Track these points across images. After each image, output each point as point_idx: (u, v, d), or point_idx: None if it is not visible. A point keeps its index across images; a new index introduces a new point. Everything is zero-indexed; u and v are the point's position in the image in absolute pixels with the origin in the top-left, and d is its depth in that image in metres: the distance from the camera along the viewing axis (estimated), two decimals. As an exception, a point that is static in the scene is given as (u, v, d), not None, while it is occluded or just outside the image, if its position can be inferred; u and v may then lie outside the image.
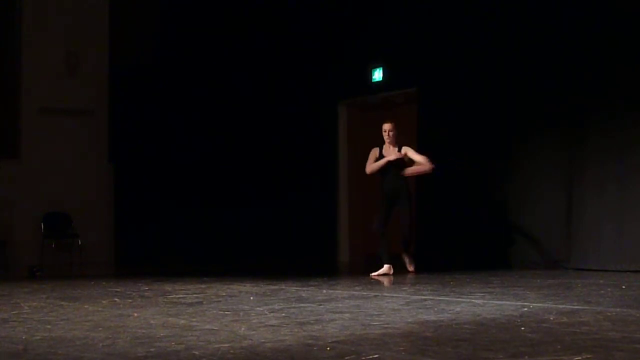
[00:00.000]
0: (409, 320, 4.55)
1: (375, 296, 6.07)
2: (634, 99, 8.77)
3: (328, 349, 3.54)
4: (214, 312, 5.15)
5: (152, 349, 3.62)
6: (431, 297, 5.89)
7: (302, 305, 5.47)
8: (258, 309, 5.26)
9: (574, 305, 5.22)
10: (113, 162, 13.85)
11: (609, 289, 6.39)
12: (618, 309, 4.92)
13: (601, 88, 9.03)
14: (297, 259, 11.97)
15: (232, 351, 3.52)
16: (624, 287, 6.58)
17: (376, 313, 4.92)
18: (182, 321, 4.68)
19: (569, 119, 9.34)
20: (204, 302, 5.81)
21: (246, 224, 13.48)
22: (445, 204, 10.68)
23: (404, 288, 6.67)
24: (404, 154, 8.90)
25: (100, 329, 4.38)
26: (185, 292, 6.78)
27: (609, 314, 4.71)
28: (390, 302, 5.60)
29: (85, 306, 5.73)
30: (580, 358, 3.19)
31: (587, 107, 9.16)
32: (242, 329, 4.26)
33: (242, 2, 13.92)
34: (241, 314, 4.99)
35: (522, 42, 9.91)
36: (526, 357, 3.26)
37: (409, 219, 8.83)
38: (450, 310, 4.92)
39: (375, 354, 3.37)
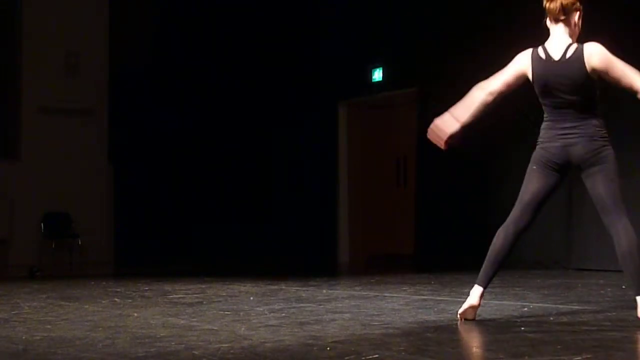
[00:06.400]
0: (409, 320, 4.54)
1: (375, 296, 6.07)
2: (634, 97, 8.75)
3: (328, 349, 3.54)
4: (214, 312, 5.15)
5: (152, 349, 3.62)
6: (431, 297, 5.89)
7: (302, 305, 5.46)
8: (258, 309, 5.26)
9: (574, 305, 5.23)
10: (113, 163, 13.84)
11: (609, 289, 6.39)
12: (618, 309, 4.92)
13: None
14: (297, 259, 11.97)
15: (232, 351, 3.52)
16: (623, 287, 6.57)
17: (376, 313, 4.91)
18: (182, 321, 4.67)
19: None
20: (204, 302, 5.80)
21: (246, 223, 13.47)
22: (445, 204, 10.67)
23: (404, 288, 6.67)
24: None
25: (100, 329, 4.38)
26: (185, 292, 6.77)
27: (609, 314, 4.71)
28: (390, 302, 5.60)
29: (85, 306, 5.73)
30: (580, 358, 3.19)
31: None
32: (242, 329, 4.26)
33: (242, 2, 13.92)
34: (241, 314, 4.99)
35: (522, 42, 9.89)
36: (526, 357, 3.26)
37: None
38: (450, 310, 4.92)
39: (375, 354, 3.37)
